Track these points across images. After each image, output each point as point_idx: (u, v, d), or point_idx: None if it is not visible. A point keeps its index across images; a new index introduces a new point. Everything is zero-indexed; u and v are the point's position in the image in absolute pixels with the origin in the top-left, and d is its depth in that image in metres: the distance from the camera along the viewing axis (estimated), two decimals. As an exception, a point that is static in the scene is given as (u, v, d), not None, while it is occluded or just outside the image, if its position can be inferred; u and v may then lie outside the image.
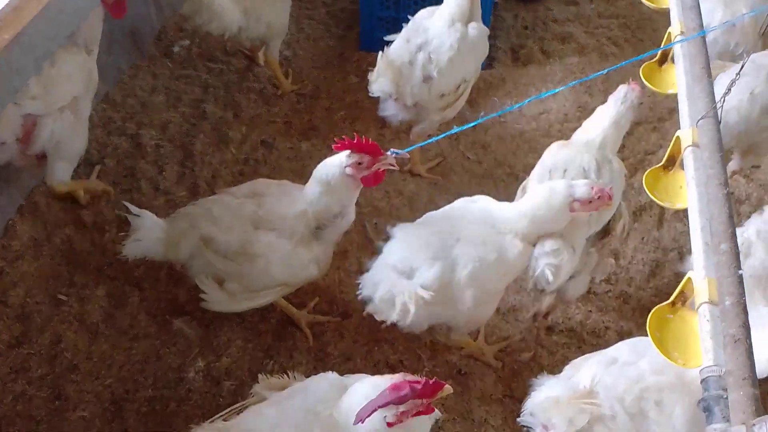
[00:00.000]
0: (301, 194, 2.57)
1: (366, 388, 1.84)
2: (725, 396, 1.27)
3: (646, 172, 2.04)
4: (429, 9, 3.35)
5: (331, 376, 2.07)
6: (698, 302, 1.47)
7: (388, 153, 2.38)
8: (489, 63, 4.26)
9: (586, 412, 1.98)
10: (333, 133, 3.60)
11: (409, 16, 3.38)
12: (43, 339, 2.85)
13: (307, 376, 2.12)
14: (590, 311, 3.10)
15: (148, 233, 2.60)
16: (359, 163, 2.38)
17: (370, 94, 3.30)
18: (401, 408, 1.74)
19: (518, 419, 2.15)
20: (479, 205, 2.63)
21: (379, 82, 3.22)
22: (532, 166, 2.91)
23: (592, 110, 3.00)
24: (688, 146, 1.87)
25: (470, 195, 3.54)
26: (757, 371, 1.29)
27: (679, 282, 1.59)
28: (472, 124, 2.45)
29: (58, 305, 2.96)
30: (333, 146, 2.39)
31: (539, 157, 3.01)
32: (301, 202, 2.55)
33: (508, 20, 4.74)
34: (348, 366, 2.86)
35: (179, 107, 3.94)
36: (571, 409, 1.99)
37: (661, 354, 1.51)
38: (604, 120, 2.77)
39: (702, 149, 1.84)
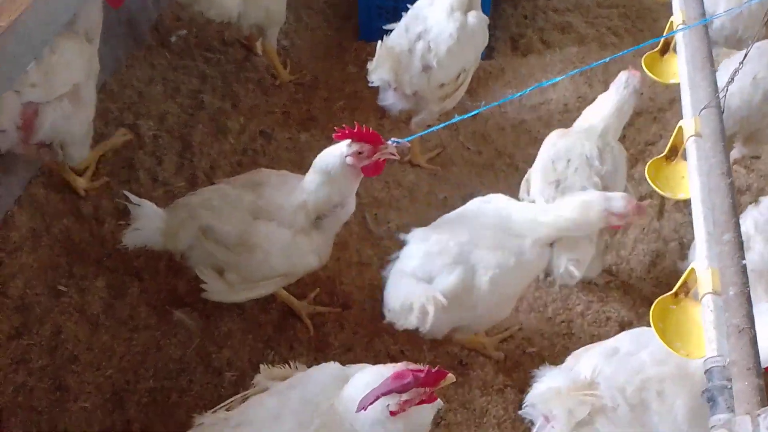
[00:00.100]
0: (300, 184, 2.55)
1: (368, 376, 1.84)
2: (729, 386, 1.27)
3: (648, 163, 2.03)
4: (429, -3, 3.33)
5: (332, 365, 2.06)
6: (701, 292, 1.47)
7: (389, 142, 2.37)
8: (488, 53, 4.24)
9: (587, 403, 1.98)
10: (332, 124, 3.56)
11: (409, 5, 3.36)
12: (43, 330, 2.84)
13: (309, 367, 2.12)
14: (591, 302, 3.11)
15: (148, 222, 2.59)
16: (360, 153, 2.36)
17: (370, 84, 3.28)
18: (404, 396, 1.73)
19: (519, 411, 2.15)
20: (494, 206, 2.57)
21: (378, 72, 3.20)
22: (533, 157, 2.90)
23: (592, 100, 3.00)
24: (691, 136, 1.87)
25: (470, 185, 3.58)
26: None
27: (679, 273, 1.59)
28: (472, 114, 2.44)
29: (58, 296, 2.96)
30: (333, 135, 2.37)
31: (539, 147, 3.01)
32: (301, 192, 2.54)
33: (507, 10, 4.71)
34: (349, 356, 2.86)
35: (177, 98, 3.92)
36: (572, 401, 1.99)
37: (664, 345, 1.51)
38: (607, 106, 2.76)
39: (704, 139, 1.83)
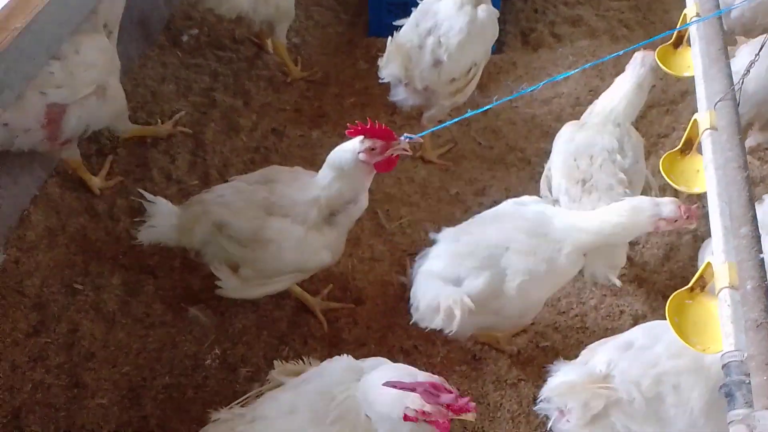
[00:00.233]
0: (313, 180, 2.56)
1: (398, 370, 1.82)
2: (747, 381, 1.26)
3: (663, 156, 2.02)
4: (439, -8, 3.32)
5: (345, 358, 2.06)
6: (719, 287, 1.46)
7: (402, 138, 2.37)
8: (499, 47, 4.23)
9: (602, 396, 1.99)
10: (343, 120, 3.59)
11: (418, 0, 3.36)
12: (60, 328, 2.87)
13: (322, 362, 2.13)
14: (605, 295, 3.10)
15: (163, 219, 2.62)
16: (372, 149, 2.36)
17: (380, 80, 3.29)
18: (426, 407, 1.69)
19: (534, 407, 2.15)
20: (531, 209, 2.49)
21: (388, 67, 3.21)
22: (545, 151, 2.89)
23: (604, 94, 2.98)
24: (706, 129, 1.85)
25: (482, 180, 3.58)
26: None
27: (693, 266, 1.59)
28: (484, 109, 2.44)
29: (74, 294, 2.99)
30: (346, 132, 2.38)
31: (551, 141, 3.00)
32: (313, 188, 2.55)
33: (517, 3, 4.69)
34: (362, 351, 2.86)
35: (189, 96, 3.94)
36: (587, 394, 2.00)
37: (680, 340, 1.51)
38: (625, 86, 2.73)
39: (720, 132, 1.82)
